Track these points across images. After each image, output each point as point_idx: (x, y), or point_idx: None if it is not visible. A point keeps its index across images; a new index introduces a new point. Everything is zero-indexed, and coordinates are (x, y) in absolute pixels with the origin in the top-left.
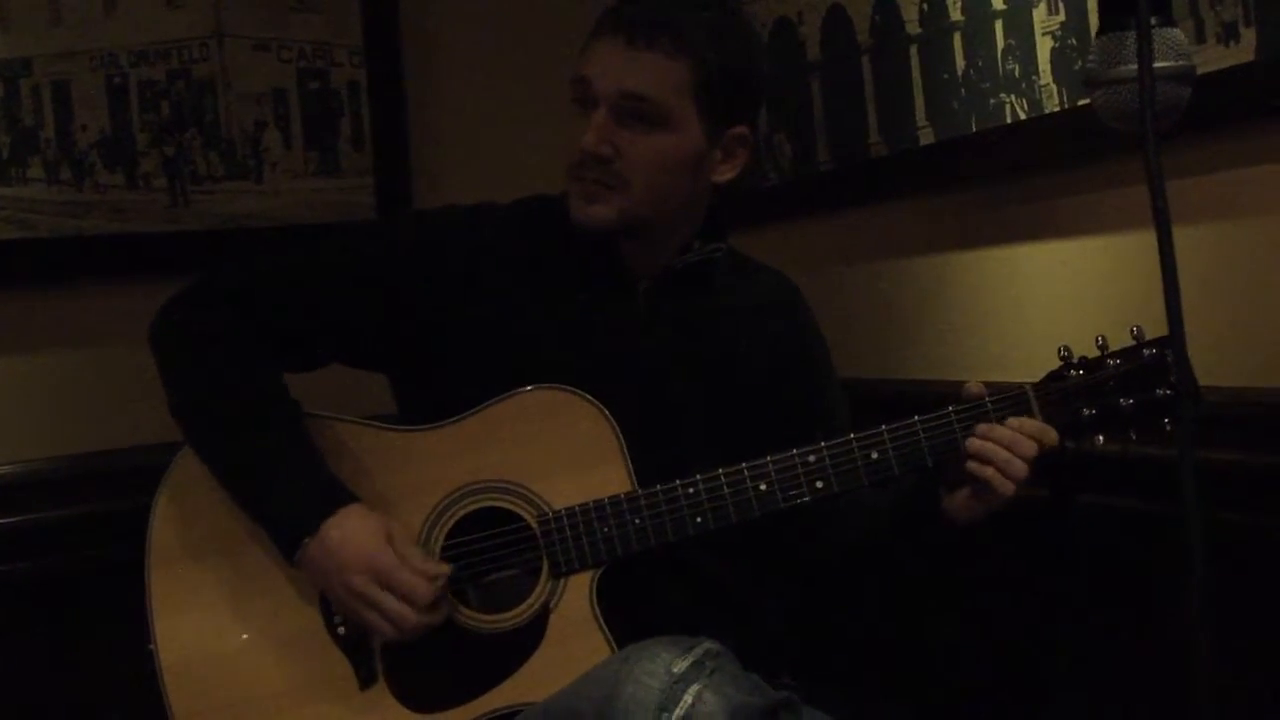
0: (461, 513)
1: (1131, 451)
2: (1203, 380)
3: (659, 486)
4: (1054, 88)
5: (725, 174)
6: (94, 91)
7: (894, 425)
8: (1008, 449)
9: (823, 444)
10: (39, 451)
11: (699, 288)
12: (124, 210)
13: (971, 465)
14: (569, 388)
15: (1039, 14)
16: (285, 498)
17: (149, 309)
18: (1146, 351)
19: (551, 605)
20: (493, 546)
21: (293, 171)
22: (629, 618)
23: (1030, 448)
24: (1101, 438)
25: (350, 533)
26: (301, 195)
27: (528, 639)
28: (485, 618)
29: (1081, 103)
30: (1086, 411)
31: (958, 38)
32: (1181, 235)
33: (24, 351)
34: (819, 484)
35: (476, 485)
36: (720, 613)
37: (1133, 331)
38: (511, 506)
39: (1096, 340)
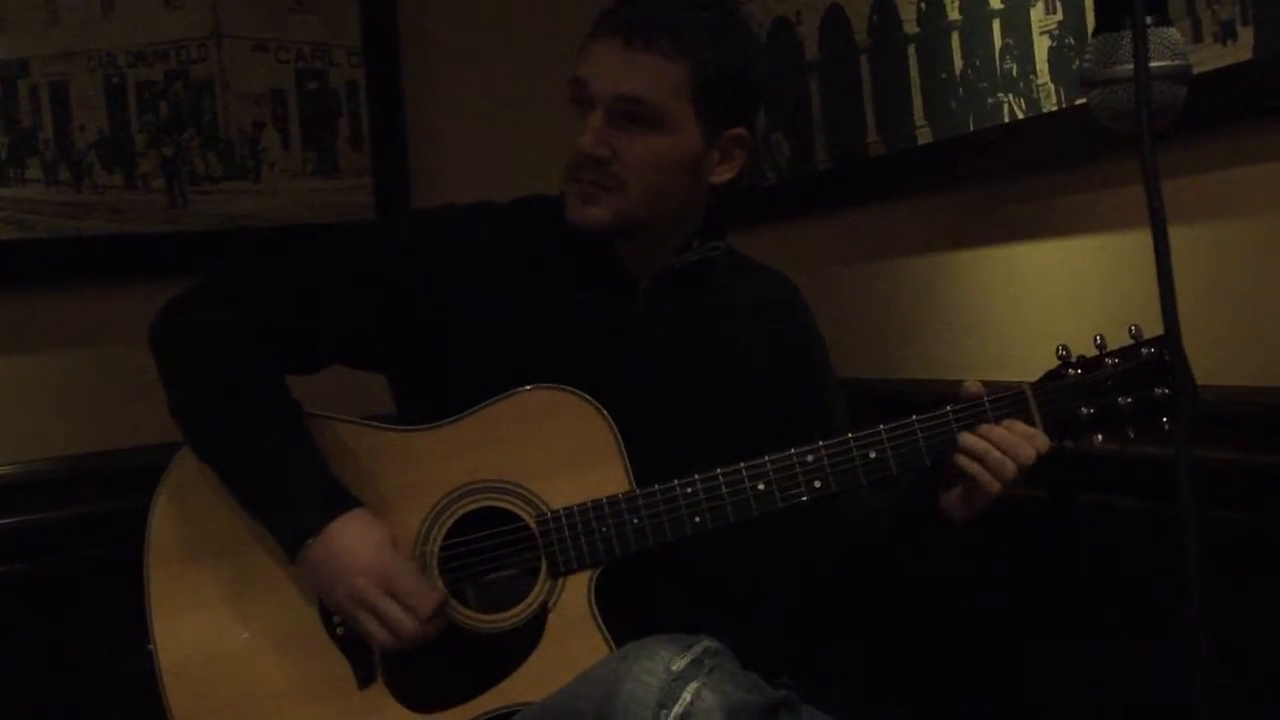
0: (460, 512)
1: (1130, 451)
2: (1200, 379)
3: (657, 486)
4: (1052, 87)
5: (723, 175)
6: (92, 92)
7: (892, 425)
8: (999, 447)
9: (821, 444)
10: (39, 451)
11: (698, 287)
12: (122, 211)
13: (961, 460)
14: (568, 387)
15: (1036, 13)
16: (288, 498)
17: (148, 309)
18: (1144, 351)
19: (550, 605)
20: (491, 546)
21: (291, 172)
22: (627, 617)
23: (1021, 447)
24: (1100, 437)
25: (356, 537)
26: (300, 195)
27: (526, 639)
28: (484, 617)
29: (1079, 102)
30: (1085, 410)
31: (955, 37)
32: (1178, 235)
33: (24, 352)
34: (817, 484)
35: (475, 485)
36: (719, 612)
37: (1131, 331)
38: (510, 506)
39: (1094, 339)
